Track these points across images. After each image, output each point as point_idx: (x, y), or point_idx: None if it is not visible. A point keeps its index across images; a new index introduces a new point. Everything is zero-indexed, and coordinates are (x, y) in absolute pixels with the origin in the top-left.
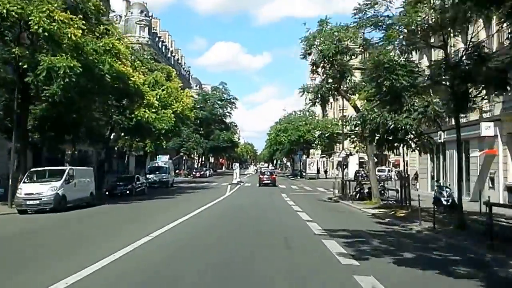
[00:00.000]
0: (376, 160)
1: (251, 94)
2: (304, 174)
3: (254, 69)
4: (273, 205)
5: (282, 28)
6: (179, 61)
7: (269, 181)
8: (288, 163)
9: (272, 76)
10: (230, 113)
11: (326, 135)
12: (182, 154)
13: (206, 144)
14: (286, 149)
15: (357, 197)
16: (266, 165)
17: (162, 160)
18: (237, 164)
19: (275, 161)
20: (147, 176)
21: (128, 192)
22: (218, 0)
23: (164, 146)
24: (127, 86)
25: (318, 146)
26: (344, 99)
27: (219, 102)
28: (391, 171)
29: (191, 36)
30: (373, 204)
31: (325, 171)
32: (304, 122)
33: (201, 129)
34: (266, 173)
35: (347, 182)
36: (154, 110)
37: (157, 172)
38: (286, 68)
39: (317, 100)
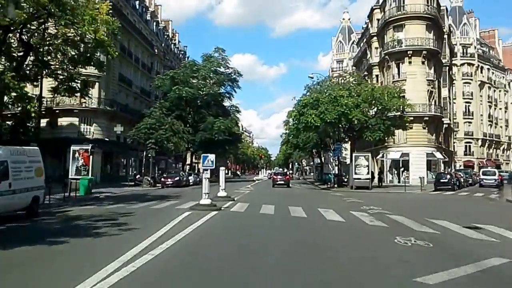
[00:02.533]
0: (446, 159)
1: (266, 104)
2: (346, 180)
3: (270, 79)
4: None
5: (298, 40)
6: (168, 34)
7: (283, 182)
8: (308, 167)
9: (287, 86)
10: (231, 94)
11: (388, 114)
12: (152, 149)
13: (193, 136)
14: (312, 143)
15: None
16: (280, 169)
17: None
18: (212, 156)
19: (291, 165)
20: None
21: None
22: (236, 14)
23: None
24: None
25: (378, 132)
26: None
27: (214, 77)
28: None
29: (210, 48)
30: None
31: (380, 176)
32: (348, 92)
33: (186, 114)
34: (280, 173)
35: None
36: None
37: None
38: (301, 78)
39: None
